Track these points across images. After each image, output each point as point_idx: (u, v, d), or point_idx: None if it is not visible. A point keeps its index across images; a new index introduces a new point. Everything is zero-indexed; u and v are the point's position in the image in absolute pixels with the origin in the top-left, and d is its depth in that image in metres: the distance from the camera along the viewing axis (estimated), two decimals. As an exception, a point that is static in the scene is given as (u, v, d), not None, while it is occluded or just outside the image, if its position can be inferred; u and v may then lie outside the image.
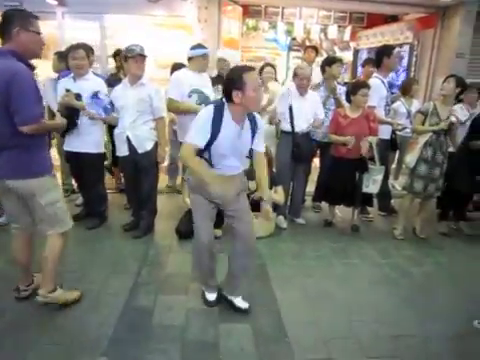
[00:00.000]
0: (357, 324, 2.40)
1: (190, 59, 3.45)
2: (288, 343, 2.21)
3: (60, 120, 2.48)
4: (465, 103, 3.64)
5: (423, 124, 3.53)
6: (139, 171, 3.38)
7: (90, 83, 3.33)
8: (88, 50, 3.42)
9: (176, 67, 4.05)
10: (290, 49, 8.61)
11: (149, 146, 3.32)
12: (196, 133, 2.15)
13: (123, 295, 2.58)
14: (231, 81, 2.11)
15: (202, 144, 2.15)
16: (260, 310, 2.50)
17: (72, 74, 3.36)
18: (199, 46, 3.45)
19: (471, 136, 3.58)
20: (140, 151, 3.29)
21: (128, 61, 3.16)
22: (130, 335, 2.21)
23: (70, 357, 2.04)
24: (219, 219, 3.51)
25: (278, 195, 3.49)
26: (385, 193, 4.17)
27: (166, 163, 4.46)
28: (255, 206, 3.50)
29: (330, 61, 4.08)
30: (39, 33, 2.16)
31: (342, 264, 3.18)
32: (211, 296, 2.55)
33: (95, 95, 3.26)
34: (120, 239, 3.45)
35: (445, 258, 3.40)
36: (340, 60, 4.19)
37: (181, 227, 3.47)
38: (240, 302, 2.49)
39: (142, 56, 3.16)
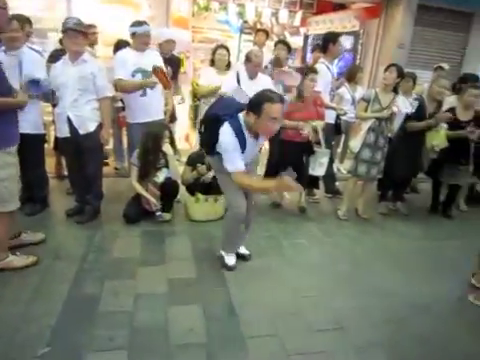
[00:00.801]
0: (303, 300, 2.52)
1: (132, 36, 3.32)
2: (237, 322, 2.27)
3: (22, 97, 2.43)
4: (401, 91, 3.82)
5: (366, 110, 3.71)
6: (82, 153, 3.20)
7: (25, 57, 3.06)
8: (24, 21, 3.15)
9: (119, 44, 3.91)
10: (242, 32, 8.54)
11: (92, 127, 3.15)
12: (236, 159, 2.32)
13: (68, 282, 2.48)
14: (251, 103, 2.27)
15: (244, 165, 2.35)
16: (209, 290, 2.54)
17: (3, 47, 3.07)
18: (140, 23, 3.32)
19: (407, 121, 3.80)
20: (82, 132, 3.12)
21: (63, 36, 2.95)
22: (76, 323, 2.14)
23: (12, 350, 1.93)
24: (169, 205, 3.50)
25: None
26: (330, 175, 4.35)
27: (111, 145, 4.29)
28: (207, 189, 3.50)
29: (274, 44, 4.20)
30: (4, 8, 2.17)
31: (290, 244, 3.30)
32: (231, 260, 2.80)
33: (35, 82, 2.94)
34: (63, 225, 3.29)
35: (384, 237, 3.64)
36: (283, 42, 4.31)
37: (128, 211, 3.38)
38: (243, 250, 2.98)
39: (75, 31, 2.92)
